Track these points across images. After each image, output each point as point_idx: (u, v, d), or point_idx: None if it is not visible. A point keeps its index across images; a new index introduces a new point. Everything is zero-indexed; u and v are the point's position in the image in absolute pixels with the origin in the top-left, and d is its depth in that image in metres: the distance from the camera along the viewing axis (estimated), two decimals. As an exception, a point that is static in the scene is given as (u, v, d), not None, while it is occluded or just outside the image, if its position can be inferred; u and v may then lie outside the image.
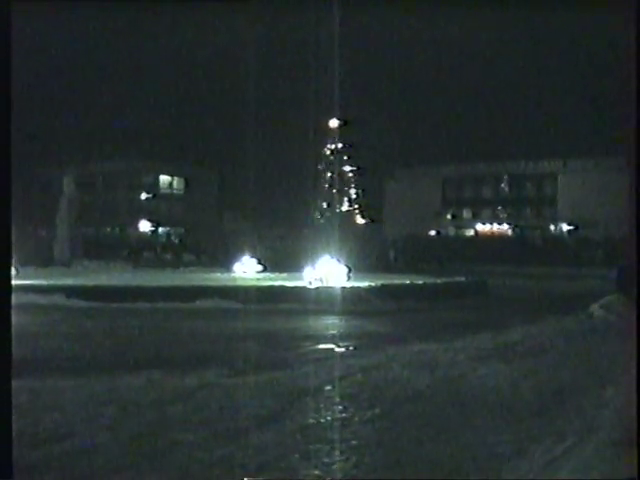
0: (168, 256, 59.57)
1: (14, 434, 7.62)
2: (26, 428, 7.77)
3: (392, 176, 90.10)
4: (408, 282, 28.54)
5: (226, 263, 36.20)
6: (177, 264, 49.06)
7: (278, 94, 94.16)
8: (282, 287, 26.10)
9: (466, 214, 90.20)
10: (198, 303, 23.04)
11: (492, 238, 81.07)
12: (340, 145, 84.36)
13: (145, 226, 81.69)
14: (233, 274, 33.23)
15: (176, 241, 74.12)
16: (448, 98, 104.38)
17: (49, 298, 23.25)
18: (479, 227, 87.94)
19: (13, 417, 8.30)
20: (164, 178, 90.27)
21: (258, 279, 30.70)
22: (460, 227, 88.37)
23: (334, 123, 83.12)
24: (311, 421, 8.41)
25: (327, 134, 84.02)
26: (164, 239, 76.63)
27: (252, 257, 35.15)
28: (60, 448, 7.08)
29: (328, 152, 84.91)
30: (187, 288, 25.72)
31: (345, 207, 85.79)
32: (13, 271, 24.06)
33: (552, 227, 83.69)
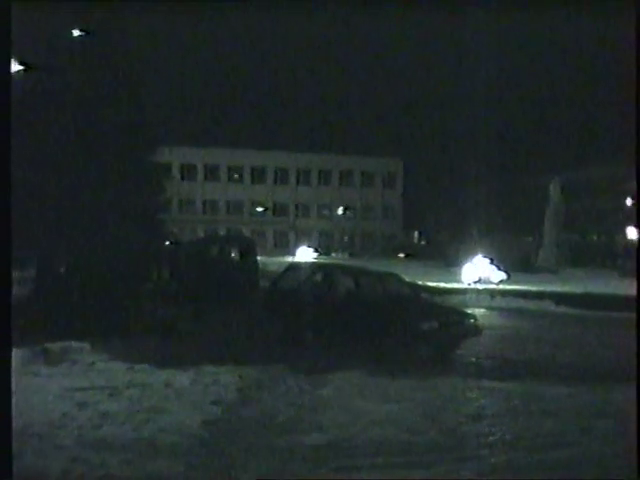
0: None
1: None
2: (523, 432, 8.57)
3: None
4: None
5: None
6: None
7: None
8: None
9: None
10: None
11: None
12: None
13: (632, 233, 79.78)
14: None
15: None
16: None
17: (537, 304, 24.91)
18: None
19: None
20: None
21: None
22: None
23: None
24: None
25: None
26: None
27: None
28: (557, 455, 7.65)
29: None
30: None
31: None
32: (505, 276, 25.77)
33: None
